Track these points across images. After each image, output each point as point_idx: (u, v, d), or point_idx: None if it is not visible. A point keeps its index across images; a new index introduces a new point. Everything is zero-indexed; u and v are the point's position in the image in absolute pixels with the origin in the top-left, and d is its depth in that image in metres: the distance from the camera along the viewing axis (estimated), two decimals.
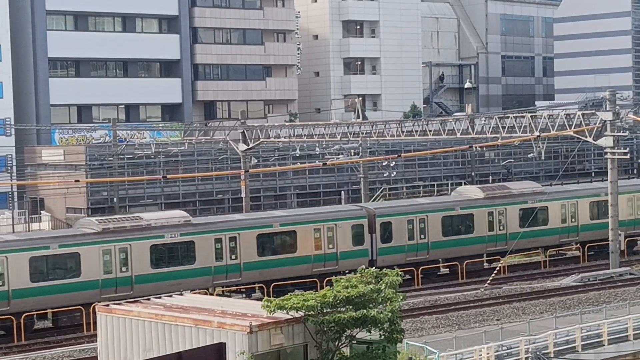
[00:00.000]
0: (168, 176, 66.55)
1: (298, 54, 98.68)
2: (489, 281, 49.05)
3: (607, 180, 53.17)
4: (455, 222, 51.77)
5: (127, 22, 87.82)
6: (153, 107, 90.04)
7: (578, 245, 56.13)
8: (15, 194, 74.05)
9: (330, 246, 47.91)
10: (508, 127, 53.78)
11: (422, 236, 50.31)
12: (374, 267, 29.47)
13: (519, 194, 54.25)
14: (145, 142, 74.51)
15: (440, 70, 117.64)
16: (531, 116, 53.09)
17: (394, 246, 49.83)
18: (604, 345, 35.15)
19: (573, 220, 55.34)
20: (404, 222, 50.16)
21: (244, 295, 46.33)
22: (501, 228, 52.81)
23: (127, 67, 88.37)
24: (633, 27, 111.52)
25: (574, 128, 50.87)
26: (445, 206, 52.22)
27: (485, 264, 53.10)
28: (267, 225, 46.78)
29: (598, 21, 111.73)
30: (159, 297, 30.37)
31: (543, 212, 54.06)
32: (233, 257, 45.28)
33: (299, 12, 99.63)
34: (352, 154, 65.21)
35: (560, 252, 57.25)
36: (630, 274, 50.65)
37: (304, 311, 25.95)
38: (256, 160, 67.37)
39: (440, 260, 52.19)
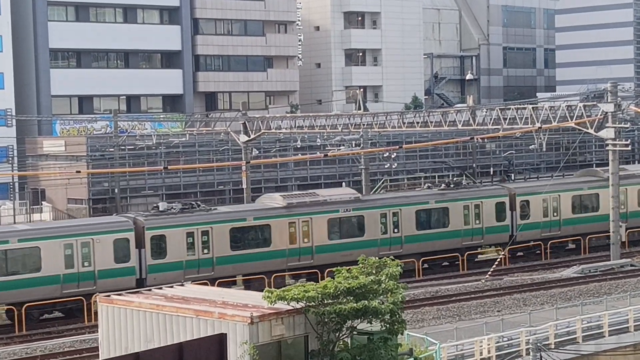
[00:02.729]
0: (169, 167, 66.52)
1: (299, 45, 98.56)
2: (489, 272, 49.11)
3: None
4: None
5: (128, 12, 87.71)
6: (154, 98, 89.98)
7: None
8: (17, 184, 74.05)
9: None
10: (509, 118, 53.71)
11: None
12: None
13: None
14: (146, 133, 74.42)
15: (438, 67, 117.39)
16: (532, 108, 53.03)
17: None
18: (604, 336, 35.21)
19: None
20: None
21: None
22: None
23: (128, 58, 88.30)
24: (635, 19, 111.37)
25: (576, 120, 50.83)
26: None
27: None
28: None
29: (600, 13, 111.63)
30: (160, 288, 30.39)
31: None
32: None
33: (300, 3, 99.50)
34: (353, 145, 65.14)
35: None
36: (631, 265, 50.72)
37: (304, 302, 25.96)
38: (257, 152, 67.30)
39: None
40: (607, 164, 52.95)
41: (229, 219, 46.21)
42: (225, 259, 45.51)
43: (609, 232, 52.30)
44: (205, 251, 45.10)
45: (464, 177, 62.33)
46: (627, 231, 56.70)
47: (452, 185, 54.68)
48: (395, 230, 50.37)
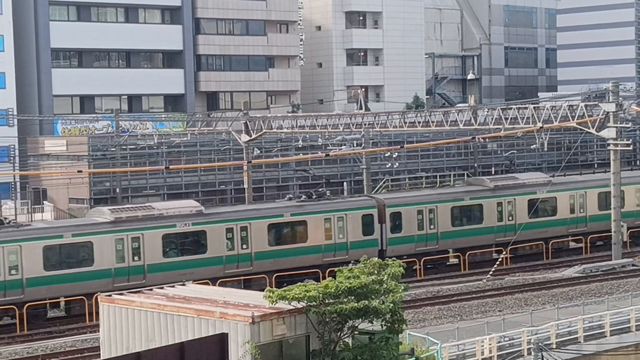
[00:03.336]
0: (171, 167, 66.56)
1: (301, 44, 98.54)
2: (491, 272, 49.10)
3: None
4: None
5: (130, 12, 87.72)
6: (155, 98, 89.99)
7: None
8: (18, 184, 74.07)
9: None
10: (511, 118, 53.68)
11: None
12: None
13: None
14: (148, 133, 74.26)
15: (439, 67, 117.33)
16: (534, 107, 53.00)
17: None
18: (606, 336, 35.19)
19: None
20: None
21: None
22: None
23: (129, 58, 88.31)
24: (636, 19, 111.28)
25: (577, 119, 50.81)
26: None
27: None
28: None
29: (601, 12, 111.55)
30: (161, 288, 30.39)
31: None
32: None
33: (301, 2, 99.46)
34: (355, 145, 65.14)
35: None
36: (633, 265, 50.69)
37: (306, 302, 25.96)
38: (259, 151, 67.30)
39: None
40: (607, 164, 52.96)
41: (41, 236, 42.29)
42: (37, 280, 41.62)
43: (496, 247, 51.72)
44: (14, 272, 41.14)
45: (325, 187, 58.59)
46: (513, 246, 53.21)
47: (313, 197, 50.72)
48: (244, 247, 46.55)
